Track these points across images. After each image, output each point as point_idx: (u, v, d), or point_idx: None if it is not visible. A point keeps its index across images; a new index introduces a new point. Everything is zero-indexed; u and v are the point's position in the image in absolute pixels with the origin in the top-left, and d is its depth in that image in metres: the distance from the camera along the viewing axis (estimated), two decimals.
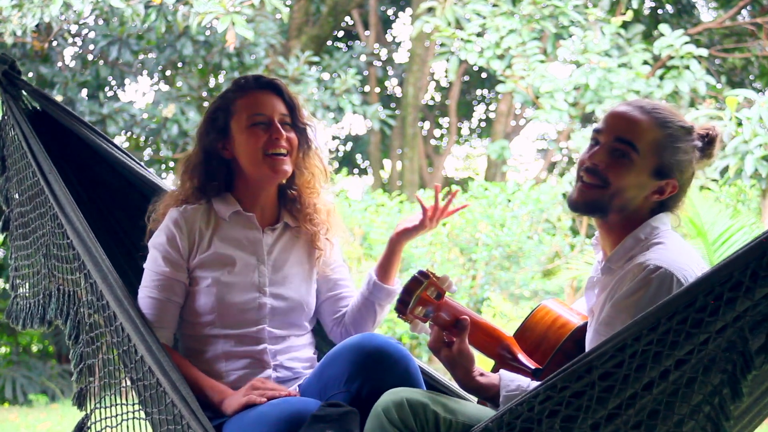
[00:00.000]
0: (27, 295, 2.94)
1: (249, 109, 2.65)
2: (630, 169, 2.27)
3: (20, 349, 11.55)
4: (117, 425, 2.60)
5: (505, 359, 2.37)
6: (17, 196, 2.98)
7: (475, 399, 2.43)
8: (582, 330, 2.37)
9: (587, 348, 2.24)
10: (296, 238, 2.72)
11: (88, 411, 2.66)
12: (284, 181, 2.73)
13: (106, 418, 2.62)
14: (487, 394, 2.28)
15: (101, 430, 2.62)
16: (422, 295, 2.23)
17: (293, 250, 2.71)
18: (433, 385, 2.71)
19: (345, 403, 2.34)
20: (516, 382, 2.24)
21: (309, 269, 2.72)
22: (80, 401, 2.67)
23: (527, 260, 8.90)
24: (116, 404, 2.61)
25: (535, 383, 2.22)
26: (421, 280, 2.23)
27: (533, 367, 2.32)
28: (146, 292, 2.62)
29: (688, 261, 2.21)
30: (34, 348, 12.24)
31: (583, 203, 2.33)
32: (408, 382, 2.35)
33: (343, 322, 2.75)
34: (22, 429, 7.81)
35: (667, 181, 2.28)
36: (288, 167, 2.65)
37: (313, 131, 2.74)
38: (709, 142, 2.32)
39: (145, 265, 2.67)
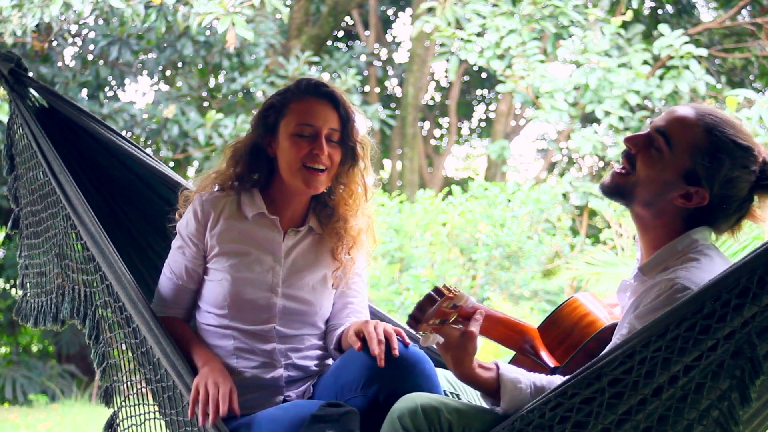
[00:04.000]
0: (38, 293, 2.95)
1: (300, 116, 2.61)
2: (658, 162, 2.20)
3: (20, 349, 11.55)
4: (141, 424, 2.63)
5: (526, 352, 2.37)
6: (28, 195, 2.98)
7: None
8: (609, 330, 2.33)
9: None
10: (320, 242, 2.70)
11: (116, 409, 2.69)
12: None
13: (130, 416, 2.66)
14: (482, 388, 2.25)
15: (126, 428, 2.65)
16: (438, 309, 2.18)
17: (314, 253, 2.69)
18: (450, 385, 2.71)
19: (362, 408, 2.35)
20: (518, 384, 2.21)
21: (328, 274, 2.70)
22: (107, 399, 2.70)
23: (527, 260, 8.90)
24: (139, 403, 2.64)
25: (537, 376, 2.22)
26: (436, 298, 2.17)
27: (552, 365, 2.31)
28: (165, 271, 2.69)
29: None
30: (34, 348, 12.24)
31: (608, 186, 2.28)
32: (425, 386, 2.35)
33: (328, 338, 2.72)
34: (22, 429, 7.81)
35: (696, 188, 2.18)
36: (321, 184, 2.62)
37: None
38: None
39: (172, 243, 2.70)
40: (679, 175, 2.19)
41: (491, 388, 2.24)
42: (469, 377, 2.24)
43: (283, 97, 2.66)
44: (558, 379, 2.22)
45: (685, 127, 2.19)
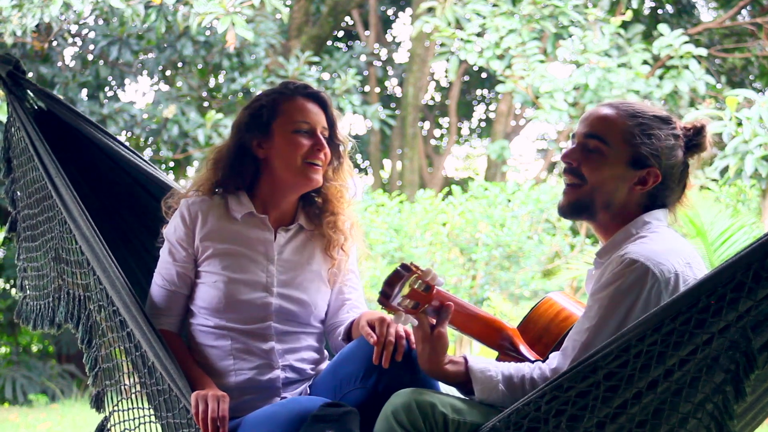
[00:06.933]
0: (37, 296, 2.95)
1: (296, 114, 2.65)
2: (603, 162, 2.29)
3: (20, 349, 11.56)
4: (136, 428, 2.63)
5: (506, 350, 2.39)
6: (25, 198, 2.99)
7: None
8: None
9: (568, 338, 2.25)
10: (311, 240, 2.72)
11: (107, 413, 2.69)
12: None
13: (124, 421, 2.66)
14: (453, 382, 2.29)
15: None
16: (409, 288, 2.23)
17: (306, 251, 2.70)
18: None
19: (362, 400, 2.37)
20: (486, 373, 2.25)
21: (321, 271, 2.71)
22: (98, 404, 2.70)
23: (527, 260, 8.91)
24: (133, 407, 2.64)
25: (504, 365, 2.25)
26: (403, 273, 2.23)
27: (533, 359, 2.33)
28: (156, 279, 2.69)
29: (671, 255, 2.20)
30: (34, 348, 12.25)
31: (568, 206, 2.35)
32: (423, 378, 2.36)
33: (334, 336, 2.72)
34: (22, 429, 7.81)
35: (647, 170, 2.28)
36: (320, 178, 2.66)
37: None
38: (695, 132, 2.32)
39: (160, 251, 2.71)
40: (626, 165, 2.29)
41: (462, 380, 2.27)
42: (438, 373, 2.29)
43: (272, 98, 2.68)
44: (525, 367, 2.25)
45: (610, 122, 2.30)
